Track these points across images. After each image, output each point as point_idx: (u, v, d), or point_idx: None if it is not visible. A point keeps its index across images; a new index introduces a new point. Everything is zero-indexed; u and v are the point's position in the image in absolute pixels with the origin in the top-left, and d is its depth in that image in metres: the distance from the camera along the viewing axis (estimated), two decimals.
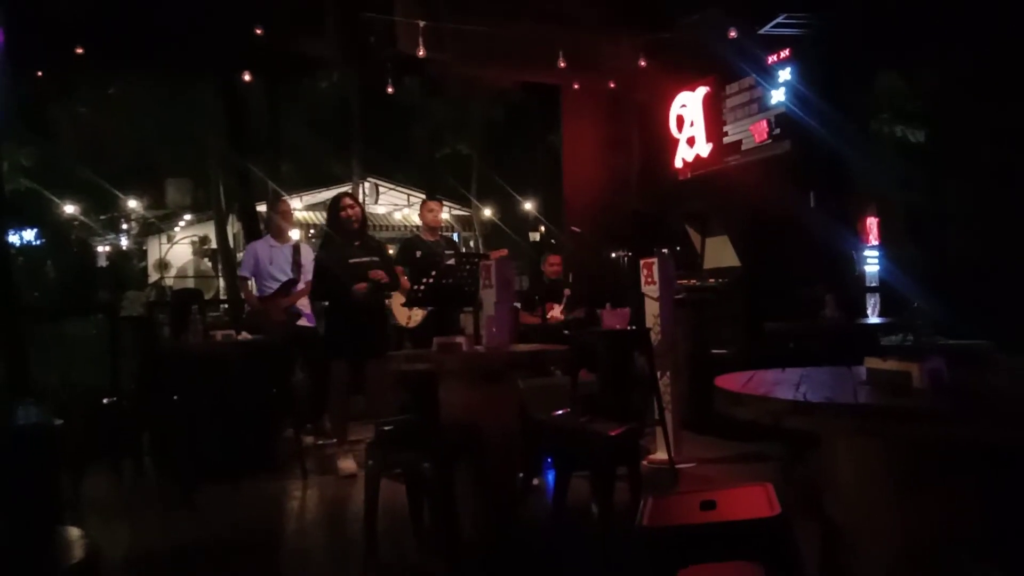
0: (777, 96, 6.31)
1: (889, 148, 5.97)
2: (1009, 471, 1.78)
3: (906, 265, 5.76)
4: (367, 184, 19.35)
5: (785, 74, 6.24)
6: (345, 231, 5.15)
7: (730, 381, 2.11)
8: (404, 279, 5.44)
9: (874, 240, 6.30)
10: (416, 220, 16.23)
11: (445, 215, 18.37)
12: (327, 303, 5.38)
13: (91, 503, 4.40)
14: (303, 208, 19.37)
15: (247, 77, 9.20)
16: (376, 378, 5.04)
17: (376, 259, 5.16)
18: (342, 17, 7.30)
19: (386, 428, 3.62)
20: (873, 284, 6.10)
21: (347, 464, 4.97)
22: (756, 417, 1.83)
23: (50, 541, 1.72)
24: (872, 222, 6.28)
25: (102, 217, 21.32)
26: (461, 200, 22.30)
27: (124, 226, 22.48)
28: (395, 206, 21.69)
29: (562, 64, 7.18)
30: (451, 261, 5.01)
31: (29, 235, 19.90)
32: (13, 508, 2.05)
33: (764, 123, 6.46)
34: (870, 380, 1.97)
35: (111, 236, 22.23)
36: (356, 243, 5.16)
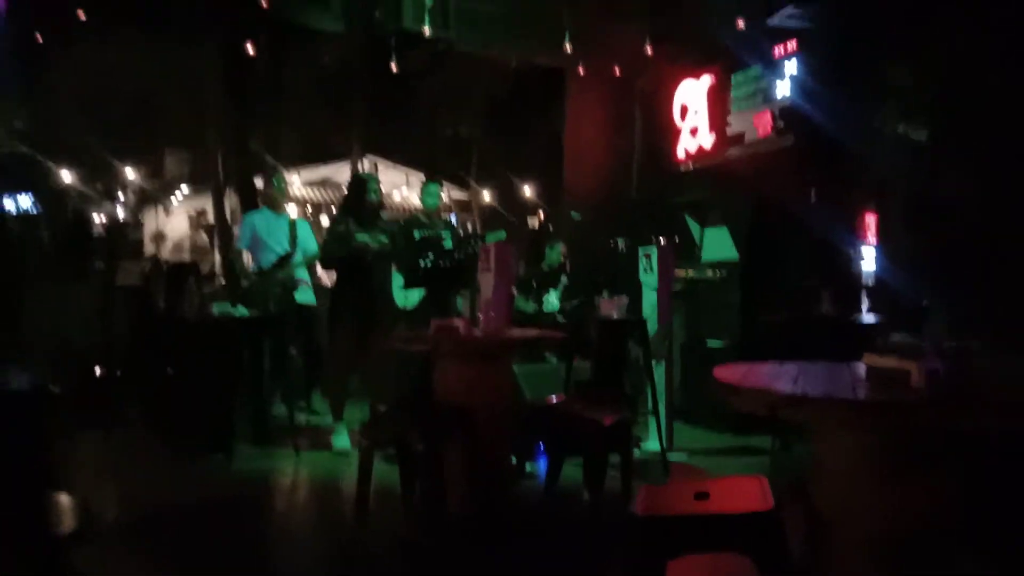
0: (782, 89, 6.28)
1: (892, 144, 5.95)
2: (989, 465, 1.80)
3: (903, 260, 5.76)
4: (366, 162, 19.21)
5: (791, 67, 6.20)
6: (365, 212, 5.16)
7: (728, 372, 2.11)
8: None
9: (872, 238, 6.29)
10: (416, 202, 16.14)
11: (444, 197, 18.22)
12: (334, 277, 5.40)
13: (82, 470, 4.40)
14: (303, 184, 19.23)
15: (250, 50, 9.11)
16: (377, 356, 5.03)
17: (385, 242, 5.15)
18: None
19: (381, 407, 3.63)
20: (868, 282, 6.11)
21: (341, 441, 4.98)
22: (754, 408, 1.83)
23: (43, 506, 1.71)
24: (871, 219, 6.28)
25: (98, 186, 21.17)
26: (460, 183, 22.19)
27: (121, 196, 22.33)
28: (394, 185, 21.55)
29: (568, 47, 7.13)
30: (449, 243, 4.99)
31: (25, 202, 19.74)
32: (6, 472, 2.04)
33: (768, 115, 6.43)
34: (869, 376, 1.97)
35: (107, 205, 22.09)
36: (369, 225, 5.17)
